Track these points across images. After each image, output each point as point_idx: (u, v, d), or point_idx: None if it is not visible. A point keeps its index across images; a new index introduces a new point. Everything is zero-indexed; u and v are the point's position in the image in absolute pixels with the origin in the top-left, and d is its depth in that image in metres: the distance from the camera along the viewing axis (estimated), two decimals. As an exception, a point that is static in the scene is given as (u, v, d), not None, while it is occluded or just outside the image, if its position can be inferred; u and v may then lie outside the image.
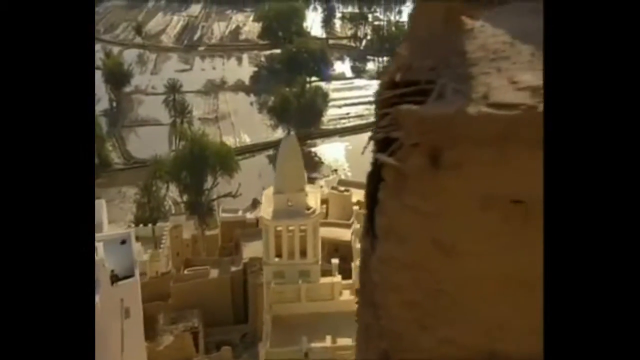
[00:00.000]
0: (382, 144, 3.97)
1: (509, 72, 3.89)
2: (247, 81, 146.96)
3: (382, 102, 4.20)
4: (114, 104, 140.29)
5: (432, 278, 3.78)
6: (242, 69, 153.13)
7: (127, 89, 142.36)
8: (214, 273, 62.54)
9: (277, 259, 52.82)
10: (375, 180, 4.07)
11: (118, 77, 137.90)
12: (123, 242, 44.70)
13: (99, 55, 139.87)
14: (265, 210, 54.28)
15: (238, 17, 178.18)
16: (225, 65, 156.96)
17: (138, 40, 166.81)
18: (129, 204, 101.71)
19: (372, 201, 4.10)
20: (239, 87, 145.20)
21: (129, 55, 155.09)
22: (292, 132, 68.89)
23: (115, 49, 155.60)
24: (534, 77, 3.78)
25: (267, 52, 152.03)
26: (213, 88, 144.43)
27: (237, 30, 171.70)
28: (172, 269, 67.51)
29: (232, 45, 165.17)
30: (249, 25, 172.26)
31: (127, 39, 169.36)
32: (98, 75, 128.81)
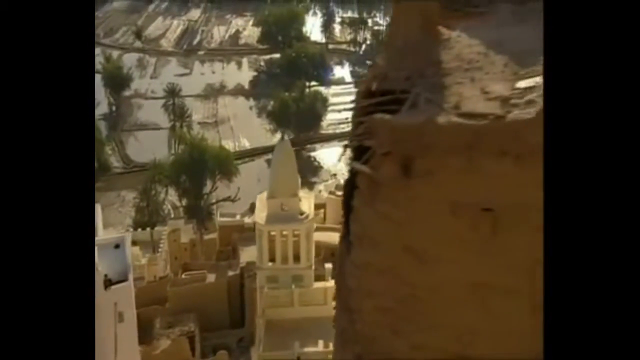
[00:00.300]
0: (358, 152, 4.04)
1: (482, 82, 3.96)
2: (246, 85, 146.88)
3: (359, 110, 4.27)
4: (114, 108, 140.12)
5: (404, 284, 3.84)
6: (242, 73, 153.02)
7: (127, 93, 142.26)
8: (211, 277, 62.34)
9: (270, 264, 52.73)
10: (350, 187, 4.14)
11: (118, 81, 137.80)
12: (117, 246, 44.74)
13: (99, 59, 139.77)
14: (259, 215, 54.26)
15: (238, 22, 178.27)
16: (224, 69, 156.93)
17: (138, 44, 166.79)
18: (128, 207, 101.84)
19: (347, 208, 4.18)
20: (238, 91, 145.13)
21: (129, 59, 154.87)
22: (286, 137, 68.71)
23: (115, 53, 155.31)
24: (505, 88, 3.86)
25: (267, 57, 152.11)
26: (212, 92, 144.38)
27: (236, 35, 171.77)
28: (170, 273, 67.43)
29: (231, 50, 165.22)
30: (249, 29, 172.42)
31: (127, 43, 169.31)
32: (98, 79, 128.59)
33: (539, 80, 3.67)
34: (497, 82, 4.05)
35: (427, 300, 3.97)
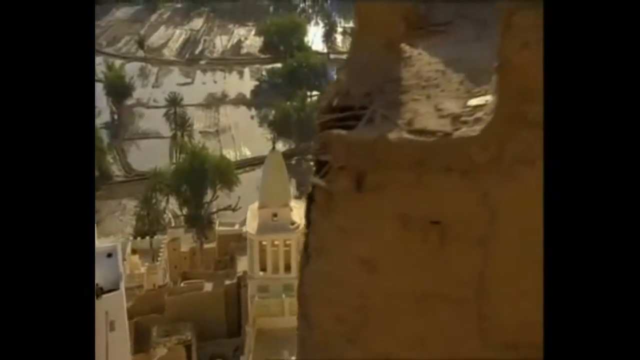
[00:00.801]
0: (319, 166, 4.19)
1: (437, 99, 4.12)
2: (248, 95, 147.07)
3: (320, 126, 4.43)
4: (115, 117, 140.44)
5: (357, 293, 3.97)
6: (243, 83, 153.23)
7: (129, 102, 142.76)
8: (208, 286, 62.47)
9: (261, 273, 53.29)
10: (311, 200, 4.29)
11: (120, 90, 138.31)
12: (109, 255, 45.10)
13: (101, 67, 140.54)
14: (250, 225, 55.00)
15: (240, 31, 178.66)
16: (226, 78, 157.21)
17: (140, 53, 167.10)
18: (129, 216, 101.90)
19: (307, 220, 4.32)
20: (239, 100, 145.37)
21: (131, 68, 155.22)
22: (277, 148, 69.13)
23: (118, 62, 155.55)
24: (457, 105, 4.00)
25: (269, 66, 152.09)
26: (214, 101, 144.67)
27: (238, 44, 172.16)
28: (170, 281, 67.55)
29: (233, 59, 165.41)
30: (251, 39, 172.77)
31: (129, 52, 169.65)
32: (100, 87, 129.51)
33: (489, 98, 3.81)
34: (451, 99, 4.20)
35: (379, 309, 4.08)
